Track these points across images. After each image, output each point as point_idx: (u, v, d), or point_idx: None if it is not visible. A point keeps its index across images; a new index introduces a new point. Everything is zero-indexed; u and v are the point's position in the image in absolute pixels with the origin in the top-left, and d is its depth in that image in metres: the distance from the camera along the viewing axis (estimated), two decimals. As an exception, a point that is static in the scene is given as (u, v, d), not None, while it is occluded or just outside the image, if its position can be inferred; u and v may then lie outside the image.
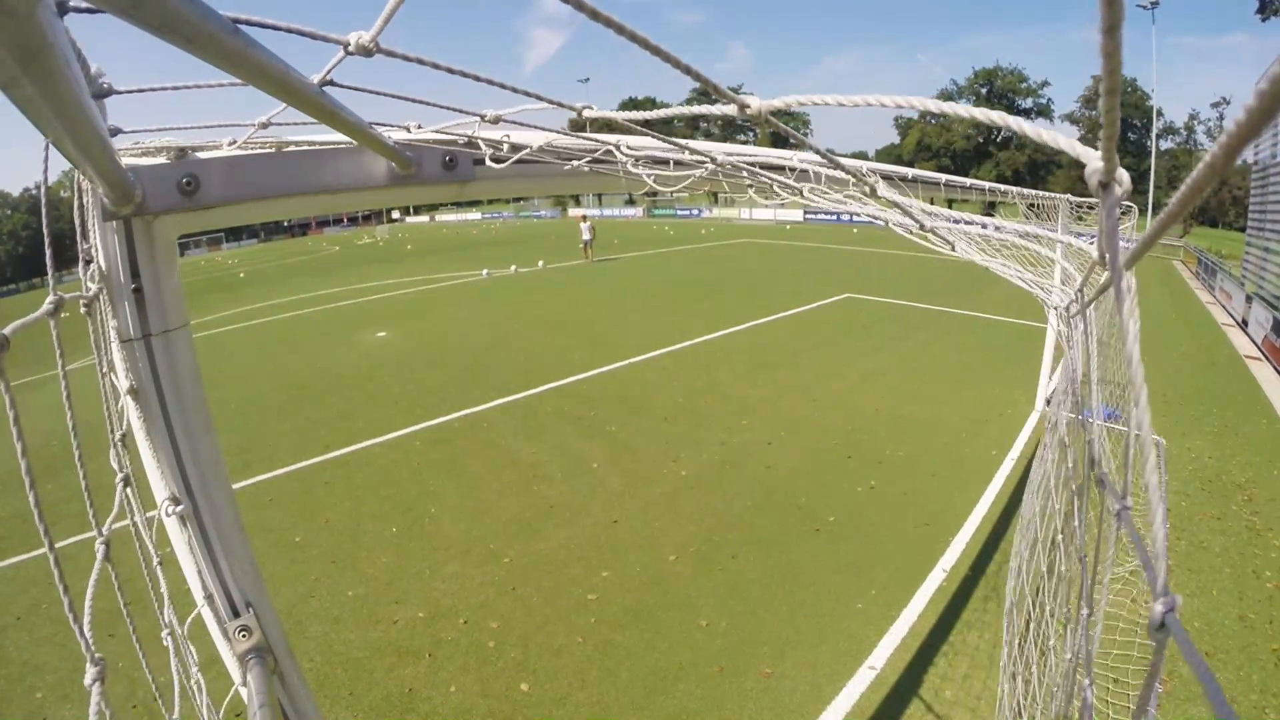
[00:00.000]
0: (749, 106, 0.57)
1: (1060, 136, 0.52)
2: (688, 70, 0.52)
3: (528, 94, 0.85)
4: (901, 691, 3.55)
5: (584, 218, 25.48)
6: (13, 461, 7.67)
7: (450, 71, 0.72)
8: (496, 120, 1.12)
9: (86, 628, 0.75)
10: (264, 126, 1.08)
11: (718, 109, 0.61)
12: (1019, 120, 0.53)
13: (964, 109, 0.53)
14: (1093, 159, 0.44)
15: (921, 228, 1.94)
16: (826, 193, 1.94)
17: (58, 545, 0.70)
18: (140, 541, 1.13)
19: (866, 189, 1.43)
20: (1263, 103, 0.26)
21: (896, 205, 1.63)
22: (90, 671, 0.74)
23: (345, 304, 17.37)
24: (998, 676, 3.59)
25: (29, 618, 4.57)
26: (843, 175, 1.40)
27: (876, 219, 2.27)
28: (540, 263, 22.82)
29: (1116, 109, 0.36)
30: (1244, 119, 0.27)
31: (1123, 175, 0.44)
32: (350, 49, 0.61)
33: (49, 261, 0.95)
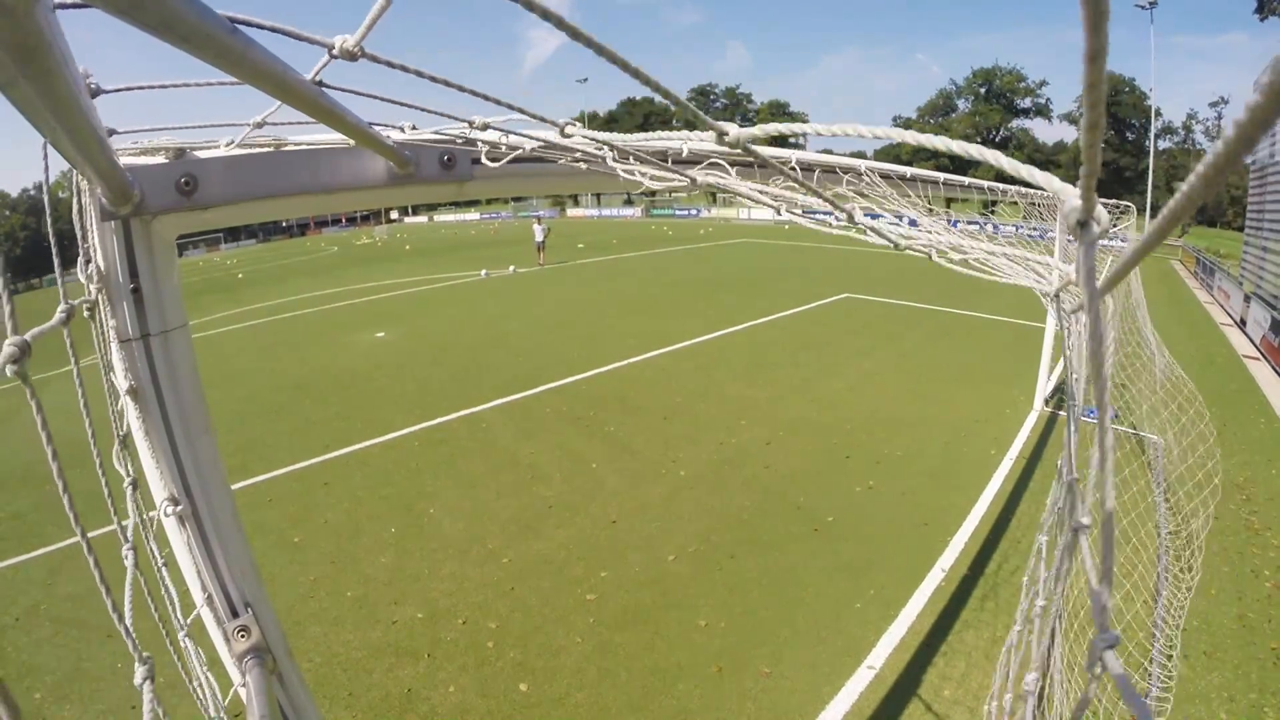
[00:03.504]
0: (727, 134, 0.58)
1: (1037, 172, 0.53)
2: (666, 94, 0.52)
3: (511, 107, 0.86)
4: (900, 691, 3.55)
5: (539, 220, 25.03)
6: (12, 462, 7.66)
7: (434, 80, 0.72)
8: (485, 127, 1.12)
9: (129, 627, 0.74)
10: (259, 126, 1.08)
11: (696, 135, 0.61)
12: (996, 154, 0.54)
13: (941, 141, 0.54)
14: (1071, 196, 0.41)
15: (896, 248, 1.94)
16: (807, 213, 1.94)
17: (59, 545, 0.70)
18: (135, 545, 1.13)
19: (845, 215, 1.43)
20: (1198, 181, 0.26)
21: (875, 230, 1.65)
22: (139, 671, 0.73)
23: (344, 304, 17.35)
24: (996, 675, 3.60)
25: (28, 619, 4.56)
26: (825, 192, 1.40)
27: (865, 235, 2.28)
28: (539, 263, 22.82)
29: (1098, 145, 0.34)
30: (1195, 182, 0.27)
31: (1101, 214, 0.42)
32: (335, 53, 0.61)
33: (57, 268, 0.95)
